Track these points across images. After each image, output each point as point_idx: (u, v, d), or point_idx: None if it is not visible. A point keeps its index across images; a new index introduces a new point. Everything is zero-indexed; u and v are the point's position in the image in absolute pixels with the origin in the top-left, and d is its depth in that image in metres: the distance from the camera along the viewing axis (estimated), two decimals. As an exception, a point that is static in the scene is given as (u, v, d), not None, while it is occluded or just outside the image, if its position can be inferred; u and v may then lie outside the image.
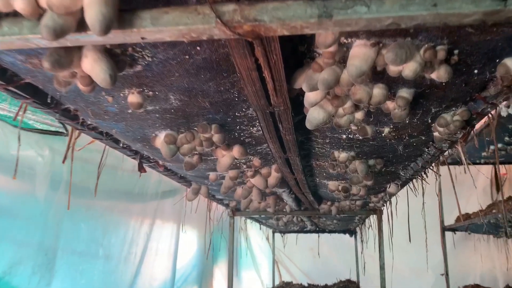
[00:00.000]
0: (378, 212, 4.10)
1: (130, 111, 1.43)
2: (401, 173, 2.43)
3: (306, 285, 6.27)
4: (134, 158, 2.04)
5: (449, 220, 6.13)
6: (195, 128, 1.57)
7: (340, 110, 1.39)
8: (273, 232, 7.11)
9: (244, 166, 2.20)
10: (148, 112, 1.45)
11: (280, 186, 2.65)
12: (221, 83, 1.28)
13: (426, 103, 1.39)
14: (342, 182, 2.63)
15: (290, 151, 1.80)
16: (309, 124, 1.39)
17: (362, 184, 2.44)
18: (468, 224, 5.67)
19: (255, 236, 7.55)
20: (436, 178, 5.64)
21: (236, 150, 1.79)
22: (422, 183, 2.52)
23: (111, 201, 4.12)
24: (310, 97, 1.27)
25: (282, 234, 7.08)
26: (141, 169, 2.02)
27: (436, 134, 1.64)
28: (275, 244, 7.17)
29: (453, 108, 1.44)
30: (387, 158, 2.07)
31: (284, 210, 4.16)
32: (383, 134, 1.66)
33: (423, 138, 1.74)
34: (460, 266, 7.45)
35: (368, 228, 4.92)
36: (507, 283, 7.00)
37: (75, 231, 3.33)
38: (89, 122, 1.59)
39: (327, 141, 1.78)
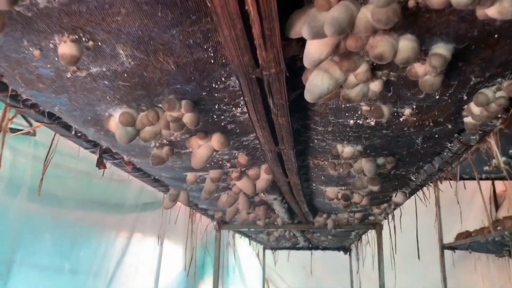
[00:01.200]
0: (378, 227, 3.72)
1: (69, 75, 1.06)
2: (412, 178, 2.06)
3: (298, 305, 5.83)
4: (92, 152, 1.66)
5: (448, 239, 5.76)
6: (160, 105, 1.19)
7: (351, 77, 1.02)
8: (264, 249, 6.69)
9: (228, 165, 1.82)
10: (94, 77, 1.07)
11: (271, 192, 2.27)
12: (190, 32, 0.91)
13: (466, 69, 1.03)
14: (343, 188, 2.25)
15: (283, 142, 1.42)
16: (309, 95, 1.02)
17: (367, 190, 2.06)
18: (470, 242, 5.30)
19: (244, 253, 7.10)
20: (435, 192, 5.28)
21: (215, 140, 1.41)
22: (435, 191, 2.15)
23: (83, 211, 3.71)
24: (312, 50, 0.90)
25: (273, 251, 6.65)
26: (100, 164, 1.63)
27: (468, 119, 1.28)
28: (265, 261, 6.73)
29: (499, 79, 1.08)
30: (399, 156, 1.70)
31: (276, 223, 3.77)
32: (401, 119, 1.29)
33: (449, 126, 1.37)
34: (459, 287, 7.05)
35: (366, 245, 4.54)
36: (510, 306, 6.59)
37: (37, 242, 2.91)
38: (24, 96, 1.21)
39: (330, 129, 1.41)
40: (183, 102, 1.17)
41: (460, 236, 5.58)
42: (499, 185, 6.90)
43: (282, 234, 4.31)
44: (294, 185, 2.10)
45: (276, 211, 3.05)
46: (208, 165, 1.84)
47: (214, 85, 1.13)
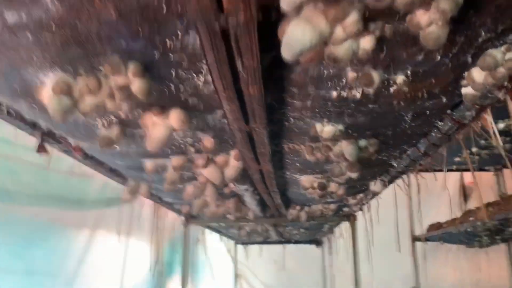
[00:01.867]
0: (352, 219, 3.57)
1: (-22, 24, 0.81)
2: (393, 164, 1.89)
3: (270, 300, 5.65)
4: (31, 134, 1.40)
5: (418, 231, 5.70)
6: (102, 68, 0.96)
7: (339, 30, 0.82)
8: (235, 244, 6.47)
9: (192, 150, 1.59)
10: (12, 29, 0.83)
11: (241, 182, 2.06)
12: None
13: (477, 20, 0.84)
14: (319, 176, 2.06)
15: (254, 119, 1.21)
16: (287, 51, 0.81)
17: (345, 178, 1.88)
18: (441, 233, 5.25)
19: (214, 248, 6.87)
20: (407, 183, 5.18)
21: (174, 117, 1.18)
22: (417, 179, 2.00)
23: (39, 207, 3.39)
24: (291, -14, 0.69)
25: (244, 246, 6.44)
26: (40, 149, 1.38)
27: (467, 90, 1.10)
28: (237, 257, 6.52)
29: (511, 37, 0.91)
30: (383, 138, 1.52)
31: (247, 217, 3.57)
32: (392, 89, 1.10)
33: (444, 100, 1.19)
34: (430, 279, 7.05)
35: (339, 237, 4.40)
36: (478, 295, 6.62)
37: (-16, 242, 2.60)
38: None
39: (308, 103, 1.21)
40: (130, 64, 0.93)
41: (431, 227, 5.53)
42: (467, 177, 6.91)
43: (253, 228, 4.11)
44: (267, 173, 1.90)
45: (247, 204, 2.84)
46: (169, 151, 1.61)
47: (168, 42, 0.90)
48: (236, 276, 6.48)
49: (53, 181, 3.84)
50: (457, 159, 4.42)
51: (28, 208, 3.29)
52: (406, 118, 1.30)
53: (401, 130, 1.45)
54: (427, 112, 1.28)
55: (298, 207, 3.23)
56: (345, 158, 1.56)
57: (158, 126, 1.19)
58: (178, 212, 3.13)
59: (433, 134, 1.48)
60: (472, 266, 7.02)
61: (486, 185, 7.15)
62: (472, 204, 6.61)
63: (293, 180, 2.23)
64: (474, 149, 4.07)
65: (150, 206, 4.04)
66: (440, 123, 1.38)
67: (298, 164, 1.89)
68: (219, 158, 1.72)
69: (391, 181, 2.18)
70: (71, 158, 2.02)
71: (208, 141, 1.49)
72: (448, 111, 1.29)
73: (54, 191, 3.90)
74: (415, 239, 5.70)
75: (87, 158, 1.71)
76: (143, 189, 2.15)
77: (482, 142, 3.77)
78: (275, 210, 3.16)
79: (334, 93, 1.13)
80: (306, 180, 2.11)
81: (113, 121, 1.23)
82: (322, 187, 2.09)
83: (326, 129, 1.35)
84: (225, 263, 6.93)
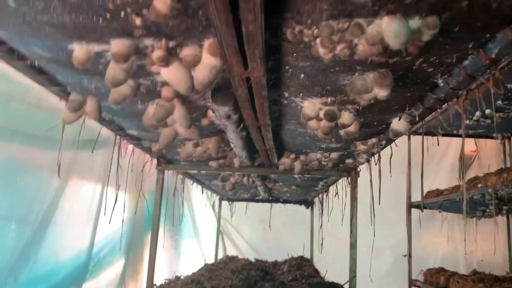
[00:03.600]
0: (354, 174, 3.02)
1: None
2: (438, 82, 1.29)
3: (253, 260, 5.18)
4: None
5: (415, 198, 5.22)
6: None
7: None
8: (220, 200, 5.96)
9: (138, 23, 0.98)
10: None
11: (221, 100, 1.46)
12: None
13: None
14: (329, 101, 1.47)
15: None
16: None
17: (369, 97, 1.28)
18: (443, 200, 4.73)
19: (198, 202, 6.35)
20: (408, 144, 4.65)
21: None
22: (462, 108, 1.42)
23: (2, 143, 2.83)
24: None
25: (230, 202, 5.93)
26: None
27: None
28: (221, 213, 6.02)
29: None
30: (449, 19, 0.91)
31: (232, 165, 3.00)
32: None
33: None
34: (421, 248, 6.64)
35: (334, 197, 3.87)
36: (471, 267, 6.22)
37: None
38: None
39: None
40: None
41: (430, 194, 5.05)
42: (468, 146, 6.40)
43: (239, 180, 3.56)
44: (258, 87, 1.30)
45: (232, 144, 2.25)
46: (105, 27, 1.00)
47: None
48: (219, 233, 6.00)
49: (15, 113, 3.25)
50: (467, 121, 3.82)
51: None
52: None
53: (482, 3, 0.84)
54: None
55: (292, 156, 2.66)
56: (380, 52, 0.96)
57: None
58: (148, 151, 2.53)
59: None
60: (468, 236, 6.58)
61: (490, 154, 6.59)
62: (471, 174, 6.09)
63: (292, 109, 1.64)
64: (487, 111, 3.47)
65: (130, 152, 3.51)
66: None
67: (303, 76, 1.28)
68: (186, 51, 1.11)
69: (422, 117, 1.59)
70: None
71: (161, 3, 0.87)
72: None
73: (21, 126, 3.31)
74: (411, 206, 5.22)
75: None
76: (90, 107, 1.54)
77: (499, 102, 3.18)
78: (265, 158, 2.59)
79: None
80: (309, 107, 1.51)
81: None
82: (331, 116, 1.50)
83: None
84: (208, 219, 6.45)
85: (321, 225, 4.80)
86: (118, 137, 2.31)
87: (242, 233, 6.58)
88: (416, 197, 5.11)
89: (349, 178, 3.04)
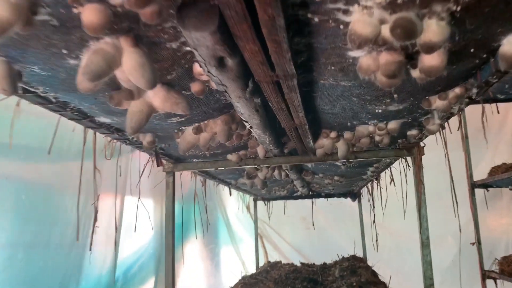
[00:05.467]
0: (417, 152, 2.25)
1: None
2: None
3: (298, 265, 4.47)
4: None
5: (476, 176, 4.35)
6: None
7: None
8: (254, 200, 5.28)
9: None
10: None
11: (194, 23, 0.77)
12: None
13: None
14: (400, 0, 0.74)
15: None
16: None
17: None
18: (516, 175, 3.84)
19: (232, 205, 5.70)
20: (461, 119, 3.78)
21: None
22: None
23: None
24: None
25: (265, 202, 5.24)
26: None
27: None
28: (257, 215, 5.33)
29: None
30: None
31: (256, 157, 2.31)
32: None
33: None
34: (488, 232, 5.67)
35: (390, 184, 3.11)
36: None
37: None
38: None
39: None
40: None
41: (496, 170, 4.16)
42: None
43: (269, 176, 2.86)
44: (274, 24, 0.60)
45: (247, 124, 1.56)
46: None
47: None
48: (257, 237, 5.30)
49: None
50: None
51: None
52: None
53: None
54: None
55: (333, 134, 1.93)
56: None
57: None
58: (139, 146, 1.87)
59: None
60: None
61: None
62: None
63: (328, 33, 0.92)
64: None
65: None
66: None
67: None
68: None
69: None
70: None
71: None
72: None
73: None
74: (474, 185, 4.35)
75: None
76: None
77: None
78: (296, 140, 1.87)
79: None
80: (363, 18, 0.79)
81: None
82: (406, 31, 0.77)
83: None
84: (244, 222, 5.77)
85: (374, 220, 4.03)
86: (95, 133, 1.66)
87: (283, 235, 5.86)
88: (477, 175, 4.26)
89: (409, 157, 2.29)
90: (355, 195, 5.12)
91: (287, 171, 2.92)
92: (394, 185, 3.05)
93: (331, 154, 2.29)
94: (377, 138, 1.95)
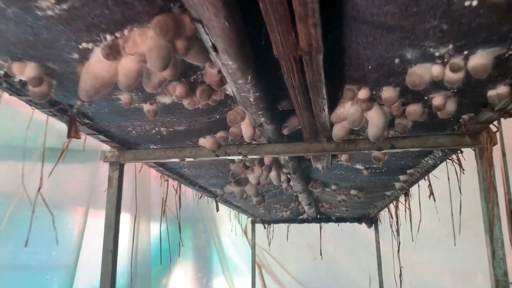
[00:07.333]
0: (486, 138, 1.44)
1: None
2: None
3: (303, 303, 3.56)
4: None
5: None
6: None
7: None
8: (252, 223, 4.42)
9: None
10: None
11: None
12: None
13: None
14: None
15: None
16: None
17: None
18: None
19: (225, 228, 4.83)
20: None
21: None
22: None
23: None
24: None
25: (265, 225, 4.38)
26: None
27: None
28: (255, 240, 4.45)
29: None
30: None
31: (240, 143, 1.52)
32: None
33: None
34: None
35: (430, 197, 2.27)
36: None
37: None
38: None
39: None
40: None
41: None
42: None
43: (264, 180, 2.04)
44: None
45: (209, 43, 0.78)
46: None
47: None
48: (255, 266, 4.40)
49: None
50: None
51: None
52: None
53: None
54: None
55: (363, 92, 1.13)
56: None
57: None
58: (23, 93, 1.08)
59: None
60: None
61: None
62: None
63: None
64: None
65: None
66: None
67: None
68: None
69: None
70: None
71: None
72: None
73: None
74: (514, 212, 3.46)
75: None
76: None
77: None
78: (300, 94, 1.08)
79: None
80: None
81: None
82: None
83: None
84: (240, 248, 4.89)
85: (399, 249, 3.16)
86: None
87: (286, 265, 4.94)
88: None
89: (475, 148, 1.47)
90: (371, 220, 4.25)
91: (290, 175, 2.11)
92: (434, 200, 2.22)
93: (354, 141, 1.50)
94: (436, 101, 1.15)
